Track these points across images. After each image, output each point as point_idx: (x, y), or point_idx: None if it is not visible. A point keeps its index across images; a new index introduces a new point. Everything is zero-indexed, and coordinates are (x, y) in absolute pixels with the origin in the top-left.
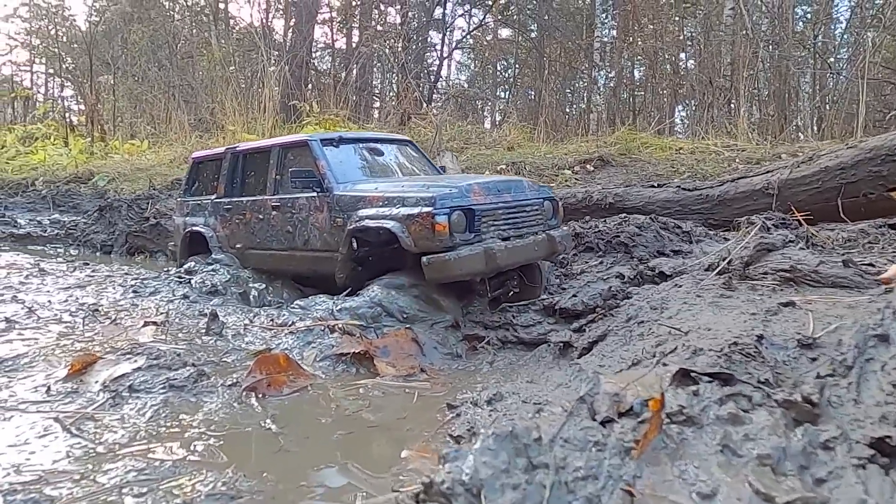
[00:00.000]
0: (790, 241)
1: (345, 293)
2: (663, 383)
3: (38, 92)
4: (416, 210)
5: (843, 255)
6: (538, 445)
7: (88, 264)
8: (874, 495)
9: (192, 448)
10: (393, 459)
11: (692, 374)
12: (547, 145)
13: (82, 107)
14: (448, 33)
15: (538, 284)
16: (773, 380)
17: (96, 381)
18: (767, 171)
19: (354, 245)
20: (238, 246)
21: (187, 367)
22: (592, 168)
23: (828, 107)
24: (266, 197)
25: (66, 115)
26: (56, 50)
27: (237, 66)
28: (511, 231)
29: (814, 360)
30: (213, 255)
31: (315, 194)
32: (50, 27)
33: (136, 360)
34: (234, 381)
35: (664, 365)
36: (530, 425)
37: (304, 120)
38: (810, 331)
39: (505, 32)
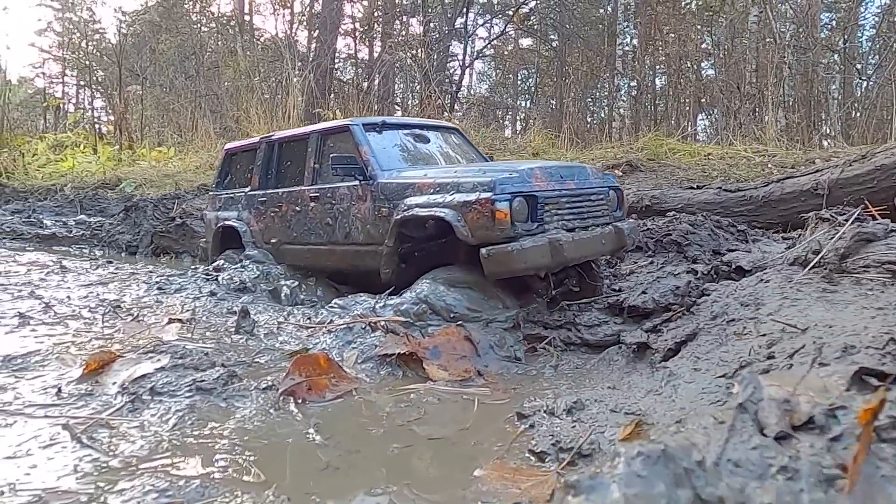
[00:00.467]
0: (892, 231)
1: (388, 291)
2: (834, 384)
3: (70, 102)
4: (473, 196)
5: None
6: (702, 471)
7: (112, 262)
8: None
9: (223, 463)
10: (463, 480)
11: (871, 374)
12: (572, 151)
13: (111, 116)
14: (469, 43)
15: (599, 282)
16: None
17: (113, 383)
18: (816, 171)
19: (402, 237)
20: (273, 241)
21: (216, 368)
22: (621, 173)
23: (857, 113)
24: (304, 187)
25: (96, 123)
26: (87, 62)
27: (262, 75)
28: (576, 221)
29: None
30: (245, 252)
31: (357, 183)
32: (81, 40)
33: (159, 360)
34: (270, 383)
35: (822, 365)
36: (684, 443)
37: None
38: None
39: (526, 42)
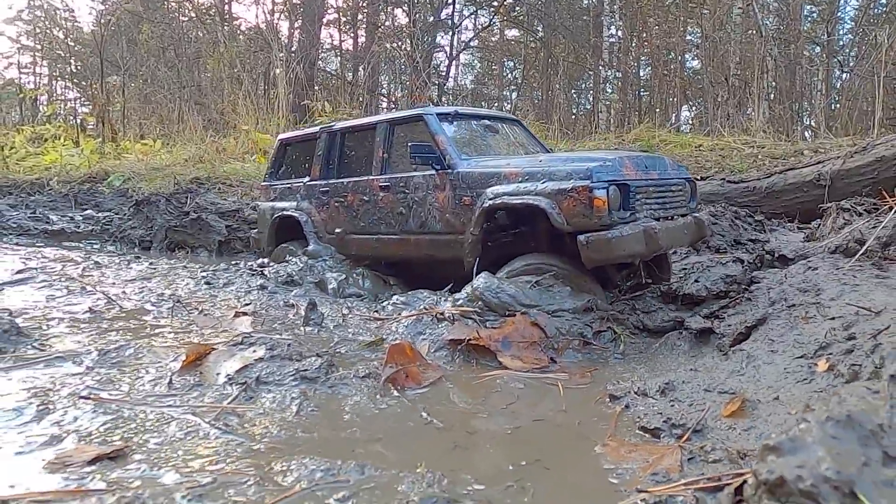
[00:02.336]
0: None
1: (448, 287)
2: None
3: (43, 93)
4: (568, 184)
5: None
6: (884, 433)
7: (140, 257)
8: None
9: (362, 446)
10: (584, 454)
11: None
12: (565, 143)
13: (87, 108)
14: (456, 34)
15: (668, 273)
16: None
17: (217, 373)
18: (818, 163)
19: (486, 225)
20: (337, 231)
21: (314, 358)
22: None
23: (839, 105)
24: (372, 177)
25: (76, 116)
26: (60, 52)
27: (245, 66)
28: (660, 211)
29: None
30: (310, 246)
31: (434, 172)
32: (52, 28)
33: (254, 351)
34: (366, 372)
35: None
36: (867, 408)
37: (317, 119)
38: None
39: (512, 33)
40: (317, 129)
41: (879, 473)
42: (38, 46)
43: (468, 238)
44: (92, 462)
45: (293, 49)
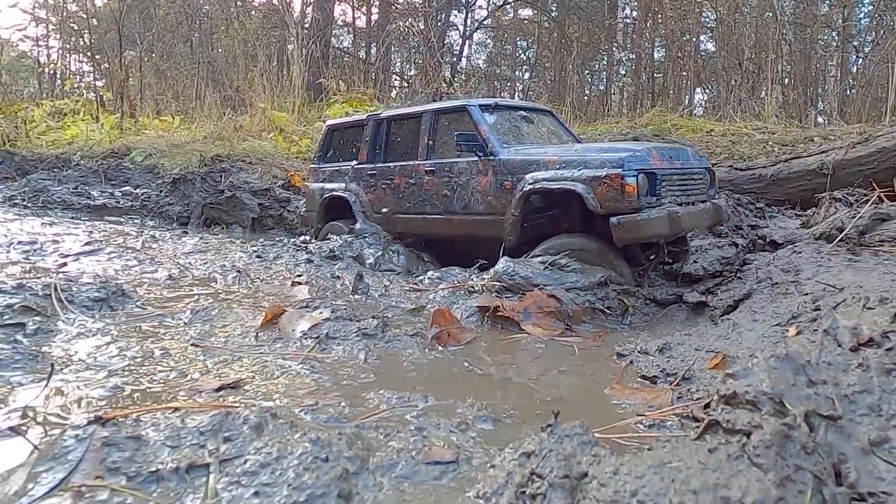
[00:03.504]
0: None
1: (478, 265)
2: (882, 321)
3: (62, 65)
4: (602, 172)
5: None
6: (811, 366)
7: (188, 233)
8: None
9: (423, 384)
10: (596, 394)
11: None
12: (577, 126)
13: (102, 82)
14: (469, 13)
15: (686, 254)
16: None
17: (293, 330)
18: (822, 152)
19: (526, 207)
20: (384, 210)
21: (370, 319)
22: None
23: (853, 91)
24: (418, 162)
25: (96, 90)
26: (75, 26)
27: (260, 43)
28: (683, 197)
29: None
30: (358, 224)
31: (477, 158)
32: (67, 2)
33: (321, 312)
34: (415, 332)
35: (868, 309)
36: (801, 350)
37: (332, 98)
38: None
39: (525, 12)
40: (364, 116)
41: (802, 391)
42: (52, 19)
43: (508, 219)
44: (218, 390)
45: (307, 26)
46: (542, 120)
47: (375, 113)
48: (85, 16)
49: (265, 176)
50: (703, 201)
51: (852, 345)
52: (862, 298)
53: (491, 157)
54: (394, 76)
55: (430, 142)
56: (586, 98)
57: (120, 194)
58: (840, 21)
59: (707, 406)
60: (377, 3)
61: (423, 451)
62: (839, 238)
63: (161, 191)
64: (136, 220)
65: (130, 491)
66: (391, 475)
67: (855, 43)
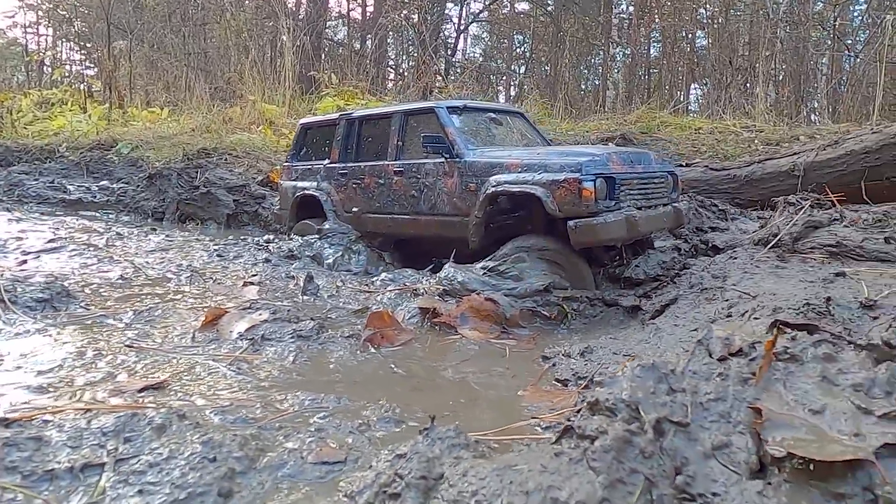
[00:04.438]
0: (835, 220)
1: (430, 267)
2: (760, 331)
3: (51, 54)
4: (561, 176)
5: (883, 233)
6: (674, 375)
7: (156, 230)
8: None
9: (342, 385)
10: (511, 398)
11: (780, 325)
12: (567, 122)
13: (93, 71)
14: (465, 5)
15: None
16: (844, 333)
17: (231, 331)
18: (794, 154)
19: (489, 209)
20: (354, 210)
21: (307, 321)
22: (615, 146)
23: (844, 89)
24: (387, 162)
25: (84, 80)
26: (65, 13)
27: (252, 35)
28: (643, 201)
29: (875, 318)
30: (327, 224)
31: (443, 160)
32: None
33: (260, 314)
34: (350, 333)
35: (755, 319)
36: (666, 360)
37: (323, 91)
38: (866, 295)
39: (522, 5)
40: (336, 115)
41: (660, 398)
42: (42, 5)
43: (472, 220)
44: (141, 390)
45: (300, 18)
46: (513, 122)
47: (347, 112)
48: (76, 3)
49: (250, 170)
50: (664, 205)
51: (721, 354)
52: (764, 307)
53: (457, 159)
54: (389, 69)
55: (400, 142)
56: (581, 94)
57: (96, 189)
58: (832, 20)
59: (579, 412)
60: None
61: (314, 451)
62: (771, 245)
63: (137, 186)
64: (110, 216)
65: (20, 489)
66: (277, 475)
67: (848, 42)
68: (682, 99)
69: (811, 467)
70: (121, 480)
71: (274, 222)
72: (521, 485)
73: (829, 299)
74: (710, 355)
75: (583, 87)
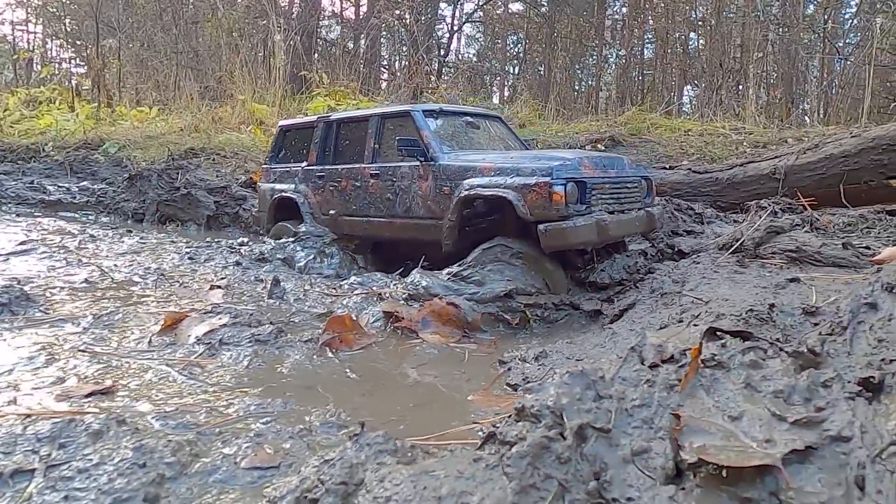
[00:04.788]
0: (796, 225)
1: (399, 271)
2: (694, 338)
3: (39, 52)
4: (532, 180)
5: (843, 238)
6: (603, 382)
7: (132, 231)
8: (860, 417)
9: (292, 390)
10: (461, 402)
11: (718, 332)
12: (558, 123)
13: (83, 70)
14: (458, 5)
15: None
16: (782, 339)
17: (189, 335)
18: (775, 157)
19: (462, 212)
20: (331, 212)
21: (267, 325)
22: (603, 147)
23: (834, 91)
24: (364, 165)
25: (72, 79)
26: (54, 10)
27: (244, 33)
28: (615, 205)
29: (815, 324)
30: (303, 227)
31: (418, 163)
32: None
33: (220, 318)
34: (309, 337)
35: (695, 325)
36: (596, 367)
37: (314, 91)
38: (813, 301)
39: (516, 6)
40: (314, 118)
41: (586, 405)
42: (32, 2)
43: (446, 223)
44: (88, 395)
45: (293, 17)
46: (490, 126)
47: (325, 115)
48: (65, 0)
49: (238, 170)
50: (637, 209)
51: (653, 361)
52: (711, 313)
53: (431, 163)
54: (382, 69)
55: (376, 145)
56: (574, 95)
57: (77, 189)
58: (823, 22)
59: (510, 417)
60: None
61: (249, 457)
62: (732, 250)
63: (118, 187)
64: (90, 217)
65: None
66: (208, 480)
67: (839, 44)
68: (674, 100)
69: (723, 473)
70: (48, 486)
71: (253, 224)
72: (434, 490)
73: (772, 306)
74: (643, 362)
75: (576, 87)
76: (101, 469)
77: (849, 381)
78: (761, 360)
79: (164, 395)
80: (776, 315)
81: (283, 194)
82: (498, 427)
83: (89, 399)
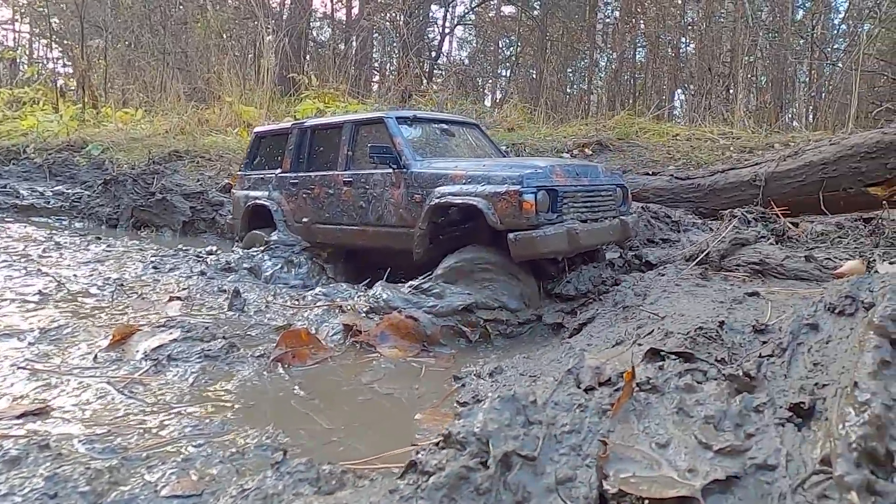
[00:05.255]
0: (762, 237)
1: (366, 282)
2: (636, 359)
3: (24, 53)
4: (502, 188)
5: (811, 249)
6: (534, 406)
7: (101, 238)
8: (787, 444)
9: (234, 409)
10: (407, 421)
11: (661, 353)
12: (547, 127)
13: (70, 70)
14: (450, 8)
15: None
16: (728, 358)
17: (137, 351)
18: (756, 164)
19: (433, 220)
20: (304, 220)
21: (219, 340)
22: (590, 152)
23: (823, 97)
24: (337, 172)
25: (56, 79)
26: (42, 9)
27: (233, 34)
28: (588, 214)
29: (764, 343)
30: (274, 235)
31: (391, 170)
32: None
33: (171, 332)
34: (262, 352)
35: (639, 345)
36: (528, 391)
37: (303, 93)
38: (766, 318)
39: (508, 9)
40: (289, 124)
41: (514, 431)
42: (19, 0)
43: (417, 231)
44: (20, 416)
45: (284, 18)
46: (467, 133)
47: (300, 122)
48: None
49: (222, 173)
50: (612, 217)
51: (589, 384)
52: (663, 330)
53: (404, 170)
54: (374, 71)
55: (350, 152)
56: (567, 98)
57: (51, 194)
58: (811, 28)
59: (438, 444)
60: None
61: (171, 484)
62: (696, 262)
63: (93, 192)
64: (63, 222)
65: None
66: None
67: (826, 50)
68: (664, 104)
69: (646, 502)
70: None
71: (228, 231)
72: None
73: (722, 323)
74: (579, 385)
75: (568, 91)
76: (8, 500)
77: (780, 407)
78: (697, 383)
79: (99, 416)
80: (725, 333)
81: (257, 201)
82: (420, 455)
83: (20, 420)
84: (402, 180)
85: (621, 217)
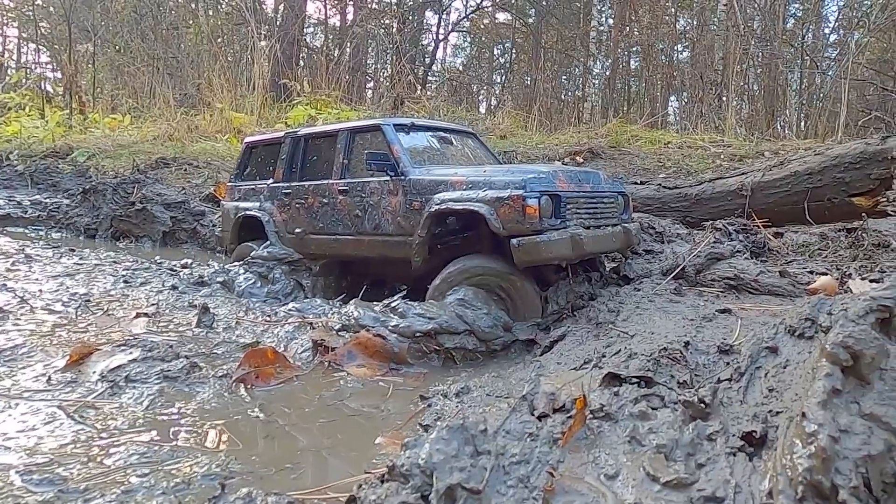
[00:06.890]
0: (737, 252)
1: (340, 298)
2: (594, 384)
3: (11, 58)
4: (505, 193)
5: (782, 265)
6: (484, 436)
7: (74, 250)
8: (736, 476)
9: (187, 434)
10: (368, 445)
11: (619, 377)
12: (539, 135)
13: (58, 75)
14: (444, 15)
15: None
16: (690, 381)
17: (94, 372)
18: (743, 174)
19: (433, 228)
20: (298, 231)
21: (180, 359)
22: (582, 160)
23: (813, 105)
24: (332, 181)
25: (42, 84)
26: (30, 13)
27: (225, 40)
28: (591, 221)
29: (728, 364)
30: (265, 246)
31: (388, 178)
32: None
33: (131, 352)
34: (225, 372)
35: (600, 368)
36: (479, 419)
37: (295, 99)
38: (734, 337)
39: (502, 16)
40: (281, 133)
41: (461, 462)
42: (7, 4)
43: (416, 239)
44: None
45: (277, 24)
46: (463, 141)
47: (293, 130)
48: (41, 2)
49: (209, 180)
50: (614, 225)
51: (543, 411)
52: (629, 350)
53: (401, 177)
54: (368, 78)
55: (346, 161)
56: (560, 104)
57: (28, 203)
58: (801, 37)
59: (383, 477)
60: (352, 1)
61: None
62: (672, 276)
63: (72, 201)
64: (40, 231)
65: None
66: None
67: (816, 59)
68: (658, 111)
69: None
70: None
71: (216, 244)
72: None
73: (687, 344)
74: (532, 412)
75: (562, 98)
76: None
77: (733, 435)
78: (652, 409)
79: (43, 444)
80: (690, 354)
81: (248, 213)
82: (363, 489)
83: None
84: (400, 188)
85: (624, 225)
